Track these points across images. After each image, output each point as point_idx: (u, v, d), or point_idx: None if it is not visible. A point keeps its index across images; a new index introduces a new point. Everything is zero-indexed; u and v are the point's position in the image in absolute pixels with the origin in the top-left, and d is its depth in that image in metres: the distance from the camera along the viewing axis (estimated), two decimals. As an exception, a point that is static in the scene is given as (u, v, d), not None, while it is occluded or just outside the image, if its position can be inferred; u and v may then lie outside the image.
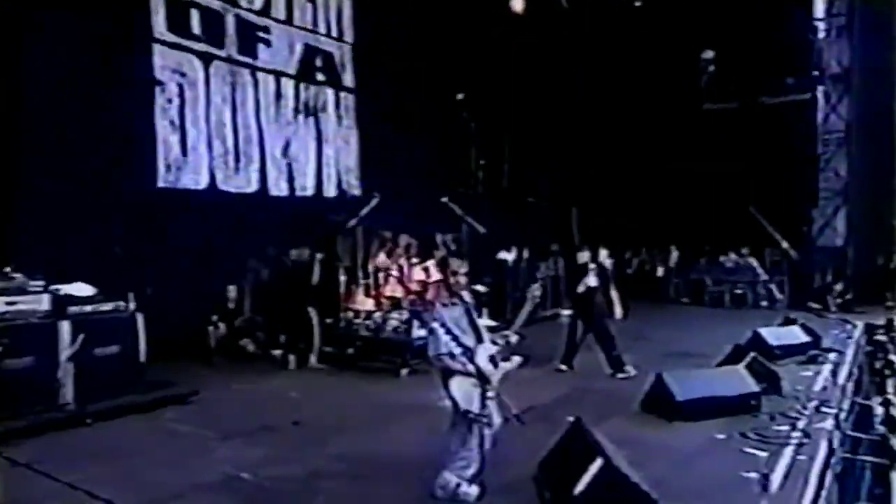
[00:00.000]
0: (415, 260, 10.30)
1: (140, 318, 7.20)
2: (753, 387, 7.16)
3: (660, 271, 18.88)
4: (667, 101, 18.14)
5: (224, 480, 5.47)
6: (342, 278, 10.01)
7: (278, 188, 11.23)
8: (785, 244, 16.84)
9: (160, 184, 9.82)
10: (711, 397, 6.86)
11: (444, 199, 10.73)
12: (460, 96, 12.81)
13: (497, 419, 4.84)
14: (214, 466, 5.72)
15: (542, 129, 16.51)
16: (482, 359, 4.71)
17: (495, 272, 13.91)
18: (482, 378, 4.63)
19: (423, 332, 9.34)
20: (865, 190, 16.57)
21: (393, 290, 10.01)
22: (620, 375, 8.69)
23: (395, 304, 9.99)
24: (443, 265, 10.36)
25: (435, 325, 4.75)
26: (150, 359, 7.39)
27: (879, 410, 7.64)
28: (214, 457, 5.95)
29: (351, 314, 10.00)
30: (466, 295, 5.12)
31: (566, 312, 10.61)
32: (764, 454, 5.84)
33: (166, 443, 6.30)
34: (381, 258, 10.29)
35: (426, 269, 10.24)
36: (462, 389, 4.72)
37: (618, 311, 9.98)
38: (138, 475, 5.50)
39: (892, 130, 16.14)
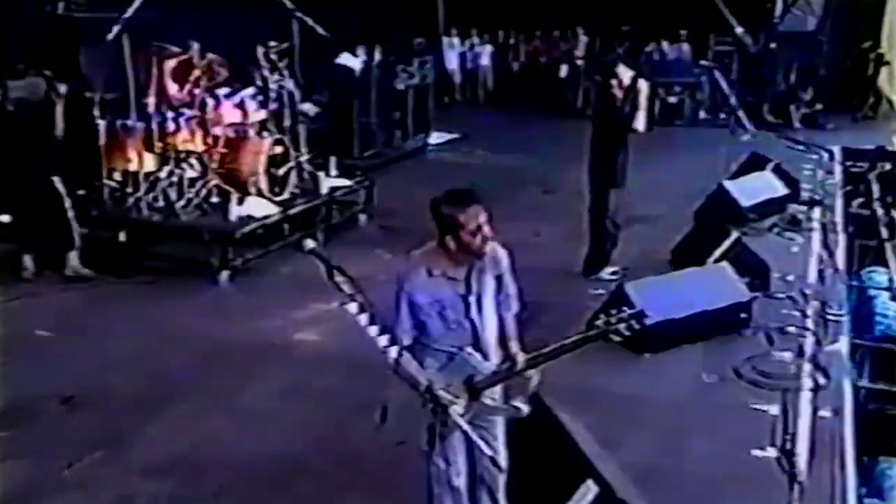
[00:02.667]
0: (224, 90, 8.82)
1: None
2: (742, 292, 7.01)
3: (563, 70, 18.44)
4: None
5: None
6: (101, 122, 8.41)
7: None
8: (738, 28, 16.76)
9: None
10: (690, 317, 6.63)
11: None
12: None
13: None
14: None
15: None
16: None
17: (335, 86, 12.87)
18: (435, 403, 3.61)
19: (244, 210, 8.37)
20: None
21: (189, 138, 8.62)
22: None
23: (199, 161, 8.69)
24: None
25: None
26: None
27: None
28: None
29: (119, 180, 8.60)
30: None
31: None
32: (775, 410, 5.72)
33: None
34: (171, 88, 8.74)
35: (241, 105, 8.85)
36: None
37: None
38: None
39: None
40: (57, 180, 8.02)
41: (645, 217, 10.00)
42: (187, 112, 8.63)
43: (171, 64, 8.63)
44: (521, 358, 3.76)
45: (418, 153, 14.12)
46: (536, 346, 6.48)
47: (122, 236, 8.54)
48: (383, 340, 3.43)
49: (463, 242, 3.57)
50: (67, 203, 7.96)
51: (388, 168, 13.04)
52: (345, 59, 12.84)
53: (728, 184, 9.86)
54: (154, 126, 8.43)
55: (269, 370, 6.31)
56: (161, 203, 8.45)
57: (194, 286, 7.93)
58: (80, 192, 8.54)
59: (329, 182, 9.57)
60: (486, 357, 3.68)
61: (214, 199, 8.57)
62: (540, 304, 7.47)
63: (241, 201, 8.44)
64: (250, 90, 9.02)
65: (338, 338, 6.82)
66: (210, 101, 8.68)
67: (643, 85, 7.87)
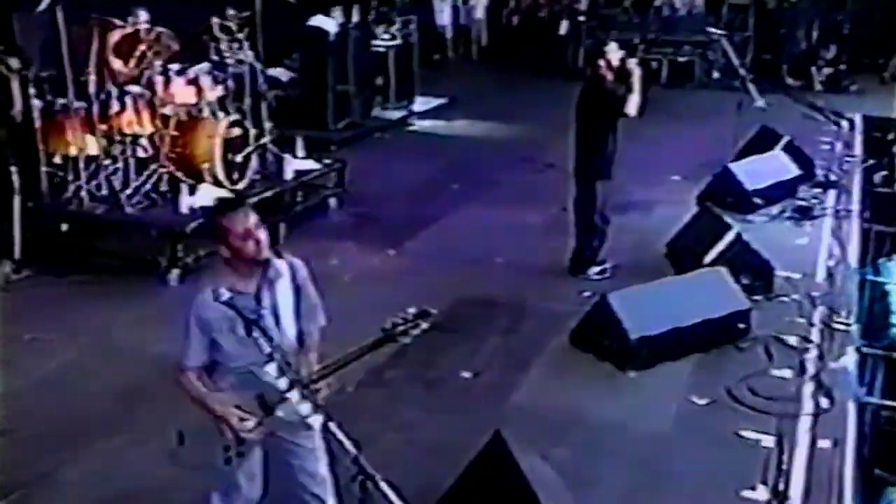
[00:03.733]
0: (175, 66, 8.43)
1: None
2: (740, 300, 6.72)
3: (563, 27, 17.95)
4: None
5: None
6: (35, 102, 8.03)
7: None
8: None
9: None
10: (680, 329, 6.38)
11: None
12: None
13: None
14: None
15: None
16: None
17: (307, 51, 12.45)
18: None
19: (197, 200, 8.06)
20: None
21: (135, 119, 8.26)
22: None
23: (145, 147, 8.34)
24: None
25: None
26: None
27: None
28: None
29: (58, 165, 8.26)
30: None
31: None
32: (769, 440, 5.47)
33: None
34: (115, 63, 8.36)
35: (195, 82, 8.47)
36: None
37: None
38: None
39: None
40: (14, 171, 7.74)
41: (641, 203, 9.72)
42: (134, 90, 8.23)
43: (114, 37, 8.23)
44: (313, 369, 3.73)
45: (399, 123, 13.72)
46: (516, 356, 6.40)
47: (63, 227, 8.20)
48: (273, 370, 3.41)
49: (234, 249, 3.60)
50: (16, 201, 7.67)
51: (365, 141, 12.71)
52: (318, 20, 12.37)
53: (733, 166, 9.54)
54: (95, 106, 8.01)
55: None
56: (105, 192, 8.09)
57: (140, 287, 7.62)
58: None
59: (295, 165, 9.22)
60: (283, 372, 3.54)
61: (164, 188, 8.21)
62: (521, 308, 7.29)
63: (193, 190, 8.11)
64: (205, 65, 8.62)
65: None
66: (159, 78, 8.28)
67: (635, 66, 7.52)
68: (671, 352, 6.34)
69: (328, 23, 12.47)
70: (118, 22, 8.28)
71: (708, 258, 7.40)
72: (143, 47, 8.33)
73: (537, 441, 5.35)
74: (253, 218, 3.61)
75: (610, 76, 7.53)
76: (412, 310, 3.60)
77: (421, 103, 14.66)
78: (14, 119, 7.62)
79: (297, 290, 3.77)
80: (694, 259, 7.45)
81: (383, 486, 3.18)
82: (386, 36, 14.00)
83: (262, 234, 3.63)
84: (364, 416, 5.65)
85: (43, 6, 7.68)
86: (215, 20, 8.64)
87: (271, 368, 3.50)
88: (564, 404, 5.87)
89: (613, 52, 7.57)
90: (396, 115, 13.91)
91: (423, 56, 17.32)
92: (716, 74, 16.48)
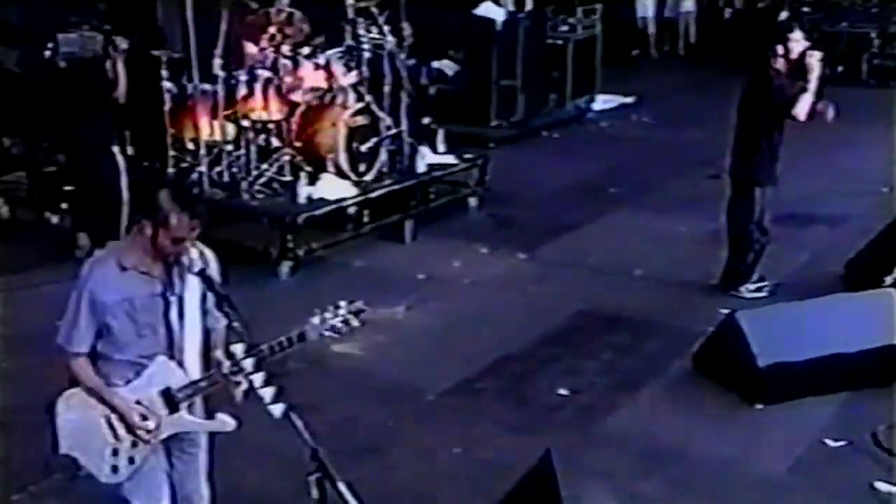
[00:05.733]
0: (304, 50, 8.78)
1: None
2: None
3: (782, 17, 17.13)
4: None
5: None
6: (167, 85, 8.60)
7: None
8: None
9: None
10: (823, 359, 5.95)
11: None
12: None
13: None
14: None
15: None
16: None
17: (473, 41, 12.56)
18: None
19: (316, 191, 8.34)
20: None
21: (262, 104, 8.65)
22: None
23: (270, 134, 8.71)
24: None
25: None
26: None
27: None
28: None
29: (182, 150, 8.81)
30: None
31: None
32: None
33: None
34: (246, 47, 8.81)
35: (327, 67, 8.76)
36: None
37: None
38: None
39: None
40: (116, 150, 8.29)
41: (831, 216, 9.27)
42: (262, 74, 8.62)
43: (245, 18, 8.67)
44: (226, 365, 3.58)
45: (574, 122, 13.60)
46: (627, 377, 6.20)
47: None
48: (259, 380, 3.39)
49: (158, 242, 3.51)
50: (124, 180, 8.20)
51: (532, 139, 12.70)
52: (485, 8, 12.51)
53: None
54: (220, 90, 8.47)
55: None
56: (226, 179, 8.52)
57: (248, 279, 7.90)
58: (145, 163, 8.77)
59: (429, 159, 9.34)
60: (182, 368, 3.60)
61: (288, 178, 8.53)
62: (646, 325, 7.06)
63: (312, 180, 8.38)
64: (338, 50, 8.91)
65: (384, 356, 6.68)
66: (288, 63, 8.64)
67: (816, 61, 7.09)
68: (812, 385, 5.96)
69: (496, 11, 12.59)
70: (252, 4, 8.69)
71: (889, 279, 6.97)
72: (273, 29, 8.69)
73: (622, 471, 5.20)
74: (196, 232, 3.54)
75: (785, 69, 7.14)
76: (343, 303, 3.63)
77: (603, 101, 14.49)
78: (117, 100, 8.05)
79: (206, 284, 3.64)
80: (873, 282, 6.95)
81: (342, 486, 3.18)
82: (565, 27, 13.92)
83: (190, 246, 3.55)
84: (436, 428, 5.70)
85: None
86: (350, 1, 8.86)
87: (172, 363, 3.59)
88: (667, 434, 5.63)
89: (796, 42, 7.15)
90: (572, 112, 13.79)
91: (619, 52, 17.20)
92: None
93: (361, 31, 9.08)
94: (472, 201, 9.80)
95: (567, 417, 5.87)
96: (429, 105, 12.12)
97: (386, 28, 9.27)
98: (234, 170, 8.60)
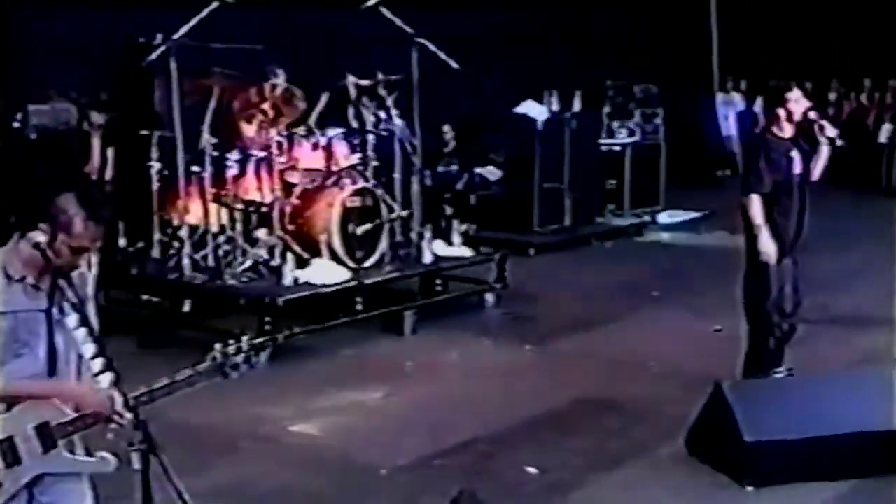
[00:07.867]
0: (300, 130, 9.19)
1: None
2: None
3: (883, 132, 17.22)
4: None
5: None
6: (155, 165, 9.02)
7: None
8: None
9: None
10: (823, 439, 5.81)
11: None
12: None
13: None
14: None
15: None
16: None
17: (514, 140, 12.86)
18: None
19: (307, 274, 8.54)
20: None
21: (254, 186, 8.98)
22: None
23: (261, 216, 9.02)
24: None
25: None
26: None
27: None
28: None
29: (170, 232, 9.17)
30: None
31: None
32: None
33: None
34: (237, 124, 9.24)
35: (326, 147, 9.10)
36: None
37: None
38: None
39: None
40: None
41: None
42: (255, 154, 8.98)
43: (237, 94, 9.09)
44: (117, 399, 3.38)
45: (629, 232, 13.65)
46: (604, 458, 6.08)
47: (186, 306, 9.04)
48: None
49: (55, 249, 3.40)
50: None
51: (580, 248, 12.75)
52: (526, 107, 12.85)
53: None
54: (208, 171, 8.82)
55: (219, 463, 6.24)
56: (210, 263, 8.79)
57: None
58: (131, 248, 9.15)
59: (438, 250, 9.49)
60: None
61: (276, 262, 8.74)
62: (643, 413, 7.02)
63: (303, 264, 8.59)
64: (339, 131, 9.25)
65: (344, 434, 6.72)
66: (283, 142, 8.98)
67: (828, 125, 7.17)
68: (811, 468, 5.81)
69: (537, 110, 12.90)
70: (242, 77, 9.13)
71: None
72: (267, 106, 9.08)
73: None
74: (98, 243, 3.51)
75: (789, 130, 7.19)
76: (245, 337, 3.59)
77: (669, 216, 14.53)
78: (88, 176, 8.43)
79: (81, 304, 3.52)
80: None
81: (164, 459, 3.23)
82: (623, 131, 14.16)
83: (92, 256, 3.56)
84: (380, 500, 5.70)
85: (154, 56, 8.65)
86: (352, 80, 9.23)
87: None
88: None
89: (796, 102, 7.23)
90: (629, 223, 13.86)
91: (703, 172, 17.41)
92: None
93: (365, 112, 9.43)
94: (490, 298, 9.86)
95: (530, 493, 5.83)
96: (471, 212, 12.44)
97: (394, 111, 9.62)
98: (220, 253, 8.88)
